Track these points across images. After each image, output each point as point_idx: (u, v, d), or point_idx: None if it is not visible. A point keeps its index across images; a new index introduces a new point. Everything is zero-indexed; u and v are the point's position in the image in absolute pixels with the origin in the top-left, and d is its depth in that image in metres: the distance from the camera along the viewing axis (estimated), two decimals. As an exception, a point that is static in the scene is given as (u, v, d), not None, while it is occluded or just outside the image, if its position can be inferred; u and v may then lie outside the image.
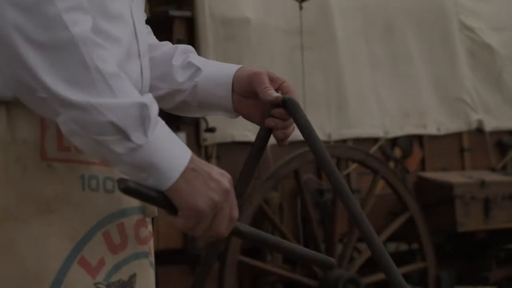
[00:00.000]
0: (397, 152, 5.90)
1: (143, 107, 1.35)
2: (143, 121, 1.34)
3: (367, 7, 5.89)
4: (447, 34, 6.14)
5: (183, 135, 5.17)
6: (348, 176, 5.60)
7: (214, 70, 1.79)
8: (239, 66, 1.78)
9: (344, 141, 5.65)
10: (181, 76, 1.79)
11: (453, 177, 5.76)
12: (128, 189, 1.36)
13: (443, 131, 6.07)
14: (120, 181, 1.37)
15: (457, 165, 6.13)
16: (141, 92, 1.58)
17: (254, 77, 1.72)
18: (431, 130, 6.02)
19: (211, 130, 5.16)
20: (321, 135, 5.57)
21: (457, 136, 6.15)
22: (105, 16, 1.48)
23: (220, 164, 5.35)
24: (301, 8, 5.37)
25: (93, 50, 1.33)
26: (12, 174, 1.43)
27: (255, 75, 1.72)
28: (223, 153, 5.27)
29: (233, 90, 1.76)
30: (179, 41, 5.35)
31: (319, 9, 5.70)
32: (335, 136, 5.61)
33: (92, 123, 1.33)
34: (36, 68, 1.32)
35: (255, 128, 6.09)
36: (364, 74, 5.82)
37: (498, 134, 6.30)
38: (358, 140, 5.65)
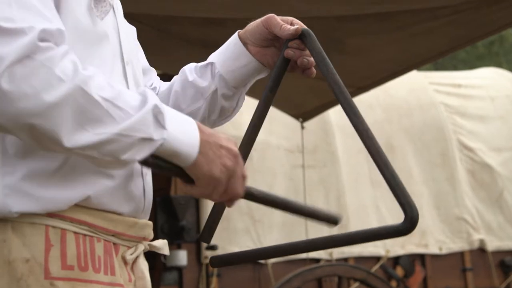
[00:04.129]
0: (399, 271, 5.86)
1: (155, 108, 1.42)
2: (158, 119, 1.42)
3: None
4: (447, 154, 6.20)
5: (184, 253, 5.16)
6: (350, 295, 5.55)
7: (222, 52, 1.84)
8: (236, 33, 1.83)
9: (345, 259, 5.62)
10: (204, 81, 1.83)
11: (456, 297, 5.70)
12: (148, 163, 1.43)
13: (445, 250, 6.05)
14: (142, 162, 1.43)
15: (459, 285, 6.07)
16: (144, 209, 1.62)
17: (268, 21, 1.78)
18: (433, 249, 6.00)
19: (212, 248, 5.14)
20: (323, 254, 5.55)
21: (459, 255, 6.13)
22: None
23: (221, 283, 5.31)
24: (302, 127, 5.45)
25: (92, 84, 1.38)
26: (15, 293, 1.44)
27: (268, 19, 1.78)
28: (224, 271, 5.24)
29: (249, 51, 1.81)
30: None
31: (321, 128, 5.78)
32: (337, 254, 5.58)
33: (123, 148, 1.39)
34: (47, 136, 1.35)
35: (256, 245, 6.01)
36: (365, 192, 5.85)
37: (500, 254, 6.27)
38: (360, 259, 5.62)
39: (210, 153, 1.46)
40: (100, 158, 1.39)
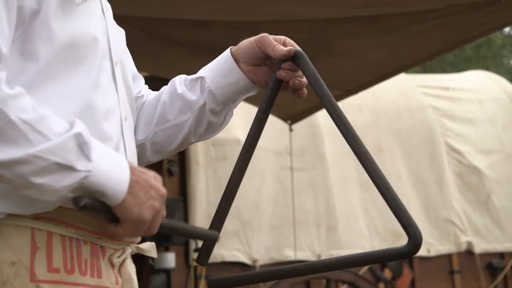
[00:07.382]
0: (387, 274, 5.86)
1: (78, 136, 1.39)
2: (82, 148, 1.39)
3: (356, 128, 5.96)
4: (435, 156, 6.21)
5: (172, 255, 5.15)
6: (338, 298, 5.55)
7: (213, 67, 1.82)
8: (228, 49, 1.81)
9: (334, 262, 5.63)
10: (193, 95, 1.81)
11: (443, 299, 5.72)
12: (80, 206, 1.39)
13: (433, 252, 6.06)
14: (73, 199, 1.40)
15: (447, 287, 6.09)
16: None
17: (262, 40, 1.76)
18: (421, 251, 6.00)
19: (201, 250, 5.13)
20: (311, 256, 5.55)
21: (447, 258, 6.14)
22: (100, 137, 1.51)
23: (209, 285, 5.30)
24: (291, 130, 5.45)
25: (12, 105, 1.35)
26: (0, 296, 1.43)
27: (261, 38, 1.76)
28: (212, 273, 5.23)
29: (240, 68, 1.79)
30: (170, 161, 5.40)
31: (309, 131, 5.79)
32: (325, 257, 5.58)
33: (37, 171, 1.36)
34: None
35: (245, 248, 6.01)
36: (354, 195, 5.85)
37: (488, 256, 6.29)
38: (348, 261, 5.62)
39: (141, 194, 1.43)
40: (13, 178, 1.36)
